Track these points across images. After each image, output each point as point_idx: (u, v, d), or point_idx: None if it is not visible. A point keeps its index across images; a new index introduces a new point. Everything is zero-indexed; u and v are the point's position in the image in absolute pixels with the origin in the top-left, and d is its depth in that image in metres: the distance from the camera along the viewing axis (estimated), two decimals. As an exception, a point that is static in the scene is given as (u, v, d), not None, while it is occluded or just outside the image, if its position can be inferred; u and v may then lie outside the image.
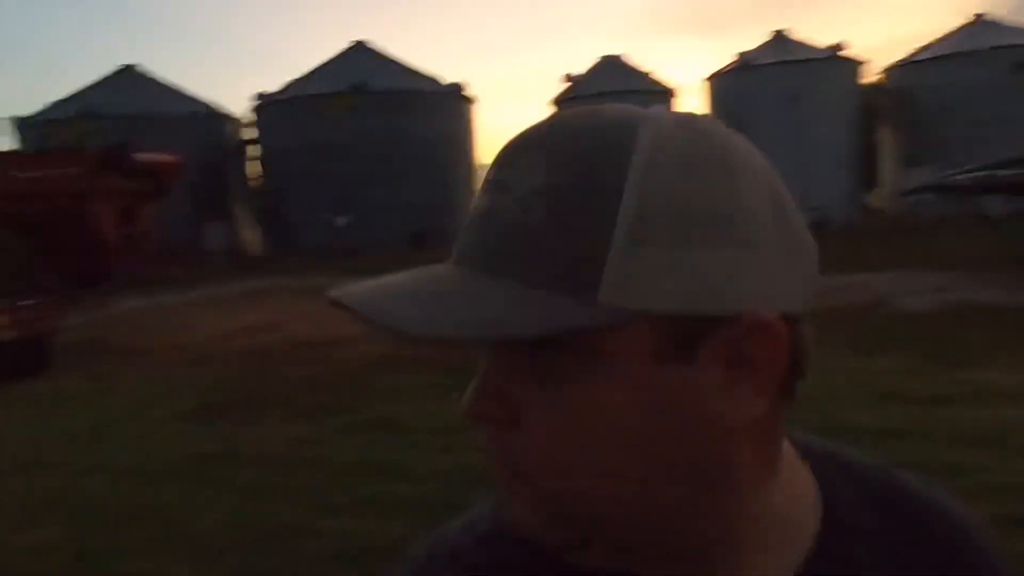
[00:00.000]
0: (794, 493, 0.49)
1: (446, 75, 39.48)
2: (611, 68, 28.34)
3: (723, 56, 27.45)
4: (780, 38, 26.71)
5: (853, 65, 26.00)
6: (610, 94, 26.74)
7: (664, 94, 28.13)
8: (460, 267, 0.43)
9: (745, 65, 25.92)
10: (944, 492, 0.53)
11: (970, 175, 12.02)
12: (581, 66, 28.90)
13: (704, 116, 0.44)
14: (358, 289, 0.42)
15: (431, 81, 28.91)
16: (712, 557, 0.46)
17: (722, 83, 26.88)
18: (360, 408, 5.91)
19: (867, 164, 26.11)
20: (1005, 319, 7.58)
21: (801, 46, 26.27)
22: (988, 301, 8.49)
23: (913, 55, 25.89)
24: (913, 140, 23.87)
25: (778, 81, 24.58)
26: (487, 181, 0.44)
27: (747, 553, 0.46)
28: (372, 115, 26.21)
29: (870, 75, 26.55)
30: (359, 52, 29.35)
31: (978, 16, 25.33)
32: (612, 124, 0.42)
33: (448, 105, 28.50)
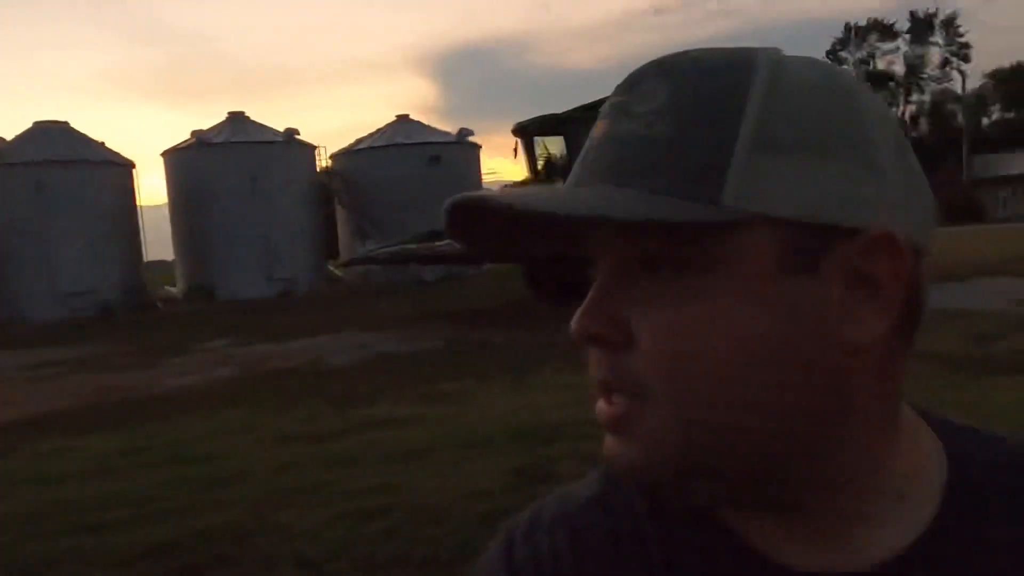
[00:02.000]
0: (920, 451, 0.48)
1: None
2: (49, 135, 25.52)
3: (183, 131, 27.42)
4: (237, 119, 27.85)
5: (308, 148, 28.59)
6: (47, 163, 24.28)
7: (121, 166, 26.64)
8: (582, 186, 0.43)
9: (201, 143, 26.32)
10: None
11: (386, 249, 14.54)
12: (12, 132, 25.47)
13: (831, 63, 0.47)
14: (487, 193, 0.41)
15: None
16: (836, 506, 0.45)
17: (179, 158, 26.75)
18: None
19: (330, 237, 28.88)
20: (401, 364, 9.38)
21: (259, 128, 27.85)
22: (394, 351, 10.34)
23: (353, 145, 29.68)
24: (359, 217, 27.20)
25: (236, 160, 25.54)
26: (606, 108, 0.45)
27: (879, 505, 0.46)
28: None
29: (323, 158, 29.55)
30: None
31: (401, 116, 30.41)
32: (730, 51, 0.44)
33: None
